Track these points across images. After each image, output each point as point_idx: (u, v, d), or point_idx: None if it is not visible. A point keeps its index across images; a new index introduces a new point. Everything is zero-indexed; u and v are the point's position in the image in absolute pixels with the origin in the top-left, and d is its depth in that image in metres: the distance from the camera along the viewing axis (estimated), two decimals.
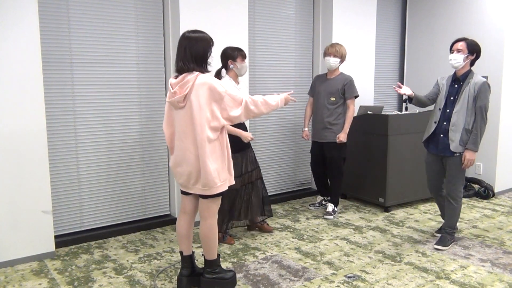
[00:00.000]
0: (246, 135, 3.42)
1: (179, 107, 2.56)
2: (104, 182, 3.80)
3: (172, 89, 2.56)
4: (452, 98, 3.47)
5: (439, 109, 3.52)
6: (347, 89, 4.20)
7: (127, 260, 3.31)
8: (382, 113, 4.69)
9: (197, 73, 2.53)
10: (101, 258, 3.35)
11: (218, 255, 2.82)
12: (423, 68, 5.75)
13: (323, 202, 4.60)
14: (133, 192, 3.97)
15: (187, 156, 2.59)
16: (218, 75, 3.52)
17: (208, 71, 2.62)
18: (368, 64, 5.20)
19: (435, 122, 3.54)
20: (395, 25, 5.89)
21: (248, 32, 4.22)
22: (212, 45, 2.63)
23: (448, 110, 3.47)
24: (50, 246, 3.35)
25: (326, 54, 4.22)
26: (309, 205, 4.65)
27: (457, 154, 3.40)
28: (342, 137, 4.18)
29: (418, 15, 5.80)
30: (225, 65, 3.51)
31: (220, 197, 2.72)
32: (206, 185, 2.58)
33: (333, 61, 4.15)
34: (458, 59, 3.40)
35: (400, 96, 6.05)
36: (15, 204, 3.16)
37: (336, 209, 4.35)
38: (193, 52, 2.54)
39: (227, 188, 2.68)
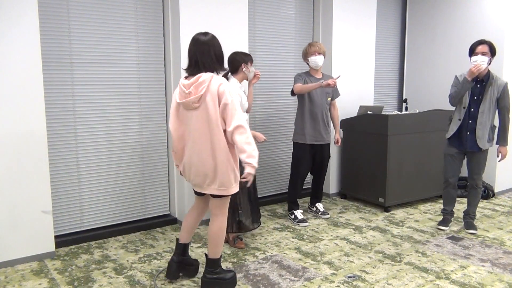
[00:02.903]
0: (259, 136, 3.53)
1: (193, 107, 2.56)
2: (104, 182, 3.80)
3: (187, 90, 2.56)
4: (475, 98, 3.67)
5: (463, 107, 3.71)
6: (335, 90, 4.21)
7: (127, 260, 3.31)
8: (382, 113, 4.69)
9: (212, 74, 2.57)
10: (101, 258, 3.35)
11: (221, 255, 2.83)
12: (423, 68, 5.75)
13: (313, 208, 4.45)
14: (133, 192, 3.97)
15: (203, 158, 2.59)
16: (225, 76, 3.55)
17: (226, 69, 2.79)
18: (368, 64, 5.20)
19: (459, 120, 3.73)
20: (395, 25, 5.89)
21: (248, 32, 4.22)
22: None
23: (472, 109, 3.68)
24: (50, 246, 3.35)
25: (310, 54, 4.02)
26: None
27: (483, 150, 3.70)
28: (339, 137, 4.33)
29: (418, 15, 5.80)
30: (235, 69, 3.51)
31: (229, 197, 2.76)
32: (222, 185, 2.61)
33: (319, 59, 4.03)
34: (485, 61, 3.55)
35: (400, 96, 6.06)
36: (15, 204, 3.16)
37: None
38: (216, 53, 2.63)
39: (237, 190, 2.71)
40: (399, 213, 4.45)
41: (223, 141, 2.54)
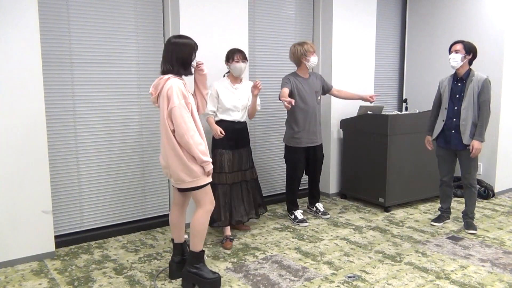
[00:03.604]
0: (215, 131, 3.49)
1: (156, 106, 2.78)
2: (104, 182, 3.80)
3: (150, 90, 2.77)
4: (457, 96, 3.78)
5: (445, 108, 3.83)
6: (325, 83, 4.24)
7: (127, 260, 3.31)
8: (382, 113, 4.69)
9: (169, 76, 2.70)
10: (101, 258, 3.35)
11: (203, 251, 2.84)
12: (423, 68, 5.75)
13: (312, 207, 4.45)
14: (133, 192, 3.97)
15: (162, 151, 2.76)
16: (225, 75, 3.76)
17: (191, 73, 2.83)
18: (368, 64, 5.20)
19: (443, 121, 3.85)
20: (395, 25, 5.89)
21: (248, 32, 4.22)
22: (196, 49, 2.80)
23: (456, 108, 3.78)
24: (50, 246, 3.35)
25: (310, 53, 3.96)
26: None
27: (469, 147, 3.72)
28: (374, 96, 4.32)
29: (418, 15, 5.80)
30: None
31: (206, 189, 2.78)
32: (177, 180, 2.72)
33: (316, 59, 4.04)
34: (457, 59, 3.73)
35: (400, 96, 6.06)
36: (15, 204, 3.16)
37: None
38: (179, 56, 2.72)
39: (200, 184, 2.74)
40: (399, 213, 4.46)
41: (171, 141, 2.67)
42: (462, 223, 4.07)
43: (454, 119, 3.79)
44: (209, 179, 2.80)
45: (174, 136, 2.66)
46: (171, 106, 2.61)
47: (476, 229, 3.89)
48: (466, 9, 5.24)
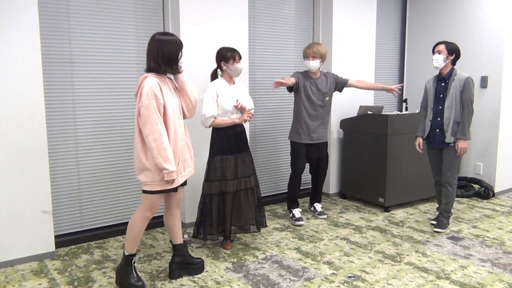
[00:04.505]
0: (242, 119, 3.40)
1: None
2: (104, 182, 3.80)
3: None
4: (441, 95, 3.84)
5: (431, 108, 3.89)
6: (340, 80, 4.20)
7: None
8: (382, 113, 4.69)
9: (148, 74, 2.64)
10: (101, 258, 3.35)
11: (132, 256, 2.78)
12: (423, 68, 5.75)
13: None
14: (133, 192, 3.97)
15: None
16: (214, 74, 3.50)
17: (179, 72, 2.77)
18: (368, 64, 5.20)
19: (430, 121, 3.90)
20: (395, 25, 5.89)
21: (248, 32, 4.22)
22: (182, 47, 2.73)
23: (440, 107, 3.84)
24: (50, 246, 3.35)
25: (304, 57, 4.01)
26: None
27: (452, 145, 3.77)
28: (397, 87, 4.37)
29: (418, 15, 5.80)
30: (219, 66, 3.43)
31: (153, 196, 2.72)
32: (140, 179, 2.72)
33: (312, 63, 3.95)
34: (439, 59, 3.78)
35: (400, 96, 6.06)
36: (15, 204, 3.16)
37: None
38: (165, 54, 2.65)
39: (156, 190, 2.69)
40: (399, 213, 4.46)
41: (136, 139, 2.66)
42: (461, 223, 4.07)
43: (439, 119, 3.84)
44: (160, 188, 2.68)
45: (140, 135, 2.63)
46: (140, 106, 2.58)
47: (444, 229, 3.86)
48: (466, 9, 5.24)
